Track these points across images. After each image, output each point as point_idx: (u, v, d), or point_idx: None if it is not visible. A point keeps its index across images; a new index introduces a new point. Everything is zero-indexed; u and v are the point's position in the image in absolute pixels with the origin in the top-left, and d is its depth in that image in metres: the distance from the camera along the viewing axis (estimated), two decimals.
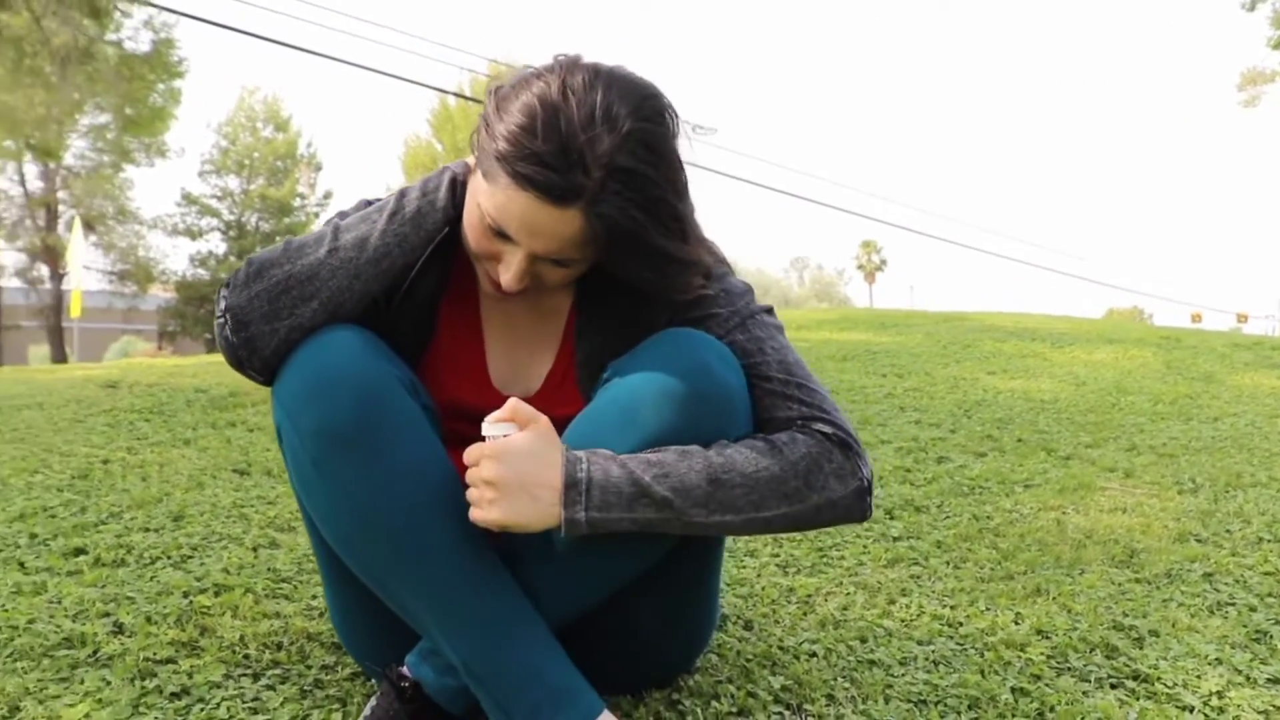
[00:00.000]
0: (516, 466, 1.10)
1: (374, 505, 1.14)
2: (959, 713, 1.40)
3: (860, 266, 60.96)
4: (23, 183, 25.37)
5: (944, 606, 1.85)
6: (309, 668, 1.53)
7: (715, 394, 1.16)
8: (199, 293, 29.73)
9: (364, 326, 1.23)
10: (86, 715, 1.34)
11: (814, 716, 1.40)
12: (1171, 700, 1.47)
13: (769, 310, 1.33)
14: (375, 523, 1.14)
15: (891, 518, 2.45)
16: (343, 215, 1.32)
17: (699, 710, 1.41)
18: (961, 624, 1.76)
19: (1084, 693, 1.48)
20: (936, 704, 1.43)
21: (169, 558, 2.02)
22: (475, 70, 30.30)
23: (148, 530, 2.20)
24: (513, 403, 1.13)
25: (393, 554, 1.15)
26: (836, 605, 1.85)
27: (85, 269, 21.70)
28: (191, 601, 1.77)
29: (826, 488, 1.17)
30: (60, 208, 25.76)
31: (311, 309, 1.20)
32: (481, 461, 1.10)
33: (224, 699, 1.41)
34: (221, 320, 1.20)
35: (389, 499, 1.13)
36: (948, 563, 2.12)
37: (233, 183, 31.26)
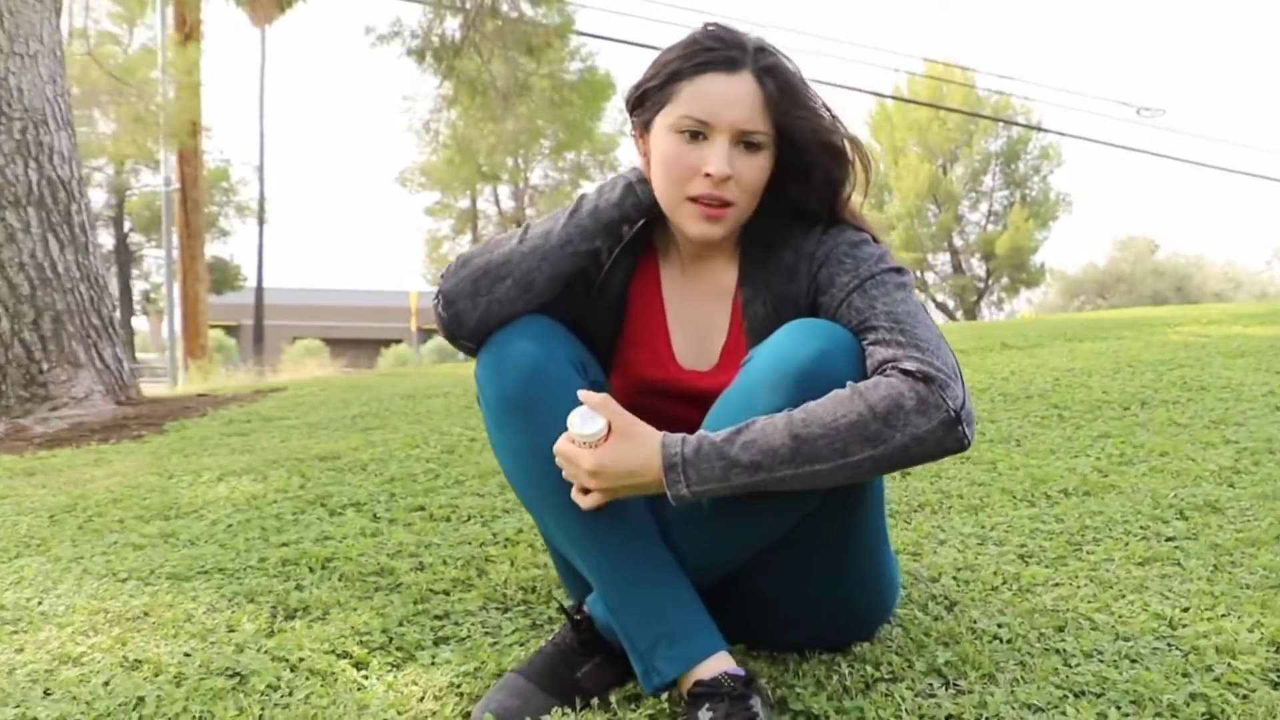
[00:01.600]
0: (619, 460, 1.28)
1: (534, 461, 1.39)
2: (1119, 707, 1.37)
3: None
4: (497, 203, 29.14)
5: (1175, 608, 1.73)
6: (550, 607, 1.81)
7: (825, 380, 1.26)
8: None
9: (562, 312, 1.50)
10: (365, 621, 1.73)
11: (963, 693, 1.42)
12: None
13: (897, 270, 1.40)
14: (535, 476, 1.40)
15: (1181, 517, 2.28)
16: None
17: (850, 672, 1.48)
18: (1185, 625, 1.66)
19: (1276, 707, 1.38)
20: (1096, 696, 1.39)
21: (481, 517, 2.43)
22: (911, 71, 29.99)
23: (477, 495, 2.64)
24: (601, 398, 1.30)
25: (546, 502, 1.40)
26: (1056, 596, 1.81)
27: None
28: (482, 550, 2.15)
29: (909, 424, 1.21)
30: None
31: (505, 286, 1.46)
32: (582, 459, 1.29)
33: (471, 622, 1.74)
34: (436, 301, 1.52)
35: (547, 457, 1.37)
36: (1213, 566, 1.94)
37: None
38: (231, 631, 1.73)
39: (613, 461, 1.28)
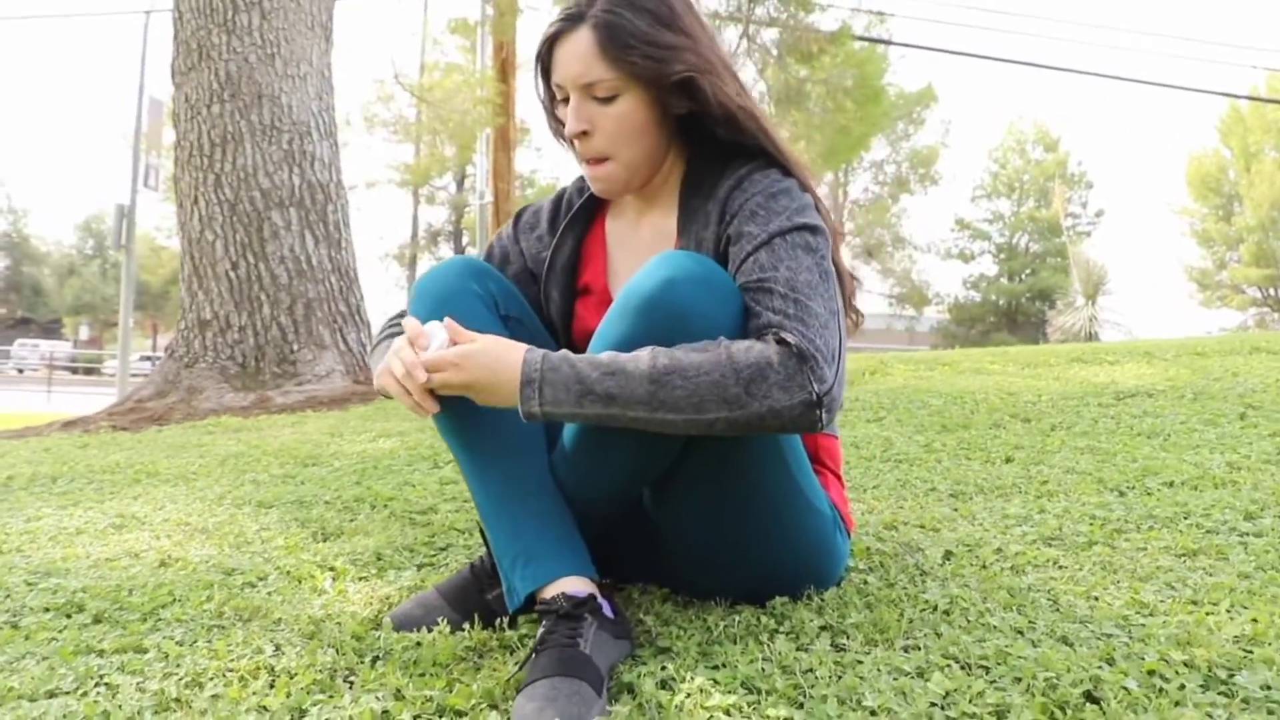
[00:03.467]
0: (482, 368, 1.30)
1: None
2: (992, 682, 1.23)
3: None
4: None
5: (1171, 599, 1.50)
6: None
7: (670, 308, 1.26)
8: (970, 314, 31.13)
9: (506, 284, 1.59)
10: (368, 545, 1.90)
11: (840, 650, 1.34)
12: None
13: (811, 229, 1.36)
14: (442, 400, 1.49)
15: (1247, 519, 2.01)
16: None
17: (743, 621, 1.43)
18: (1162, 615, 1.48)
19: (1176, 703, 1.21)
20: (978, 670, 1.25)
21: None
22: (1271, 67, 27.16)
23: None
24: (452, 325, 1.34)
25: (442, 424, 1.46)
26: (1043, 577, 1.66)
27: (865, 292, 24.24)
28: None
29: (769, 396, 1.20)
30: (847, 238, 29.07)
31: None
32: (450, 369, 1.30)
33: (466, 555, 1.87)
34: None
35: None
36: (1258, 565, 1.71)
37: (1003, 206, 32.15)
38: (262, 544, 1.96)
39: (475, 364, 1.30)
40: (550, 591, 1.32)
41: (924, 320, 31.35)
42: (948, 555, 1.81)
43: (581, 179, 1.69)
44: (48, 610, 1.59)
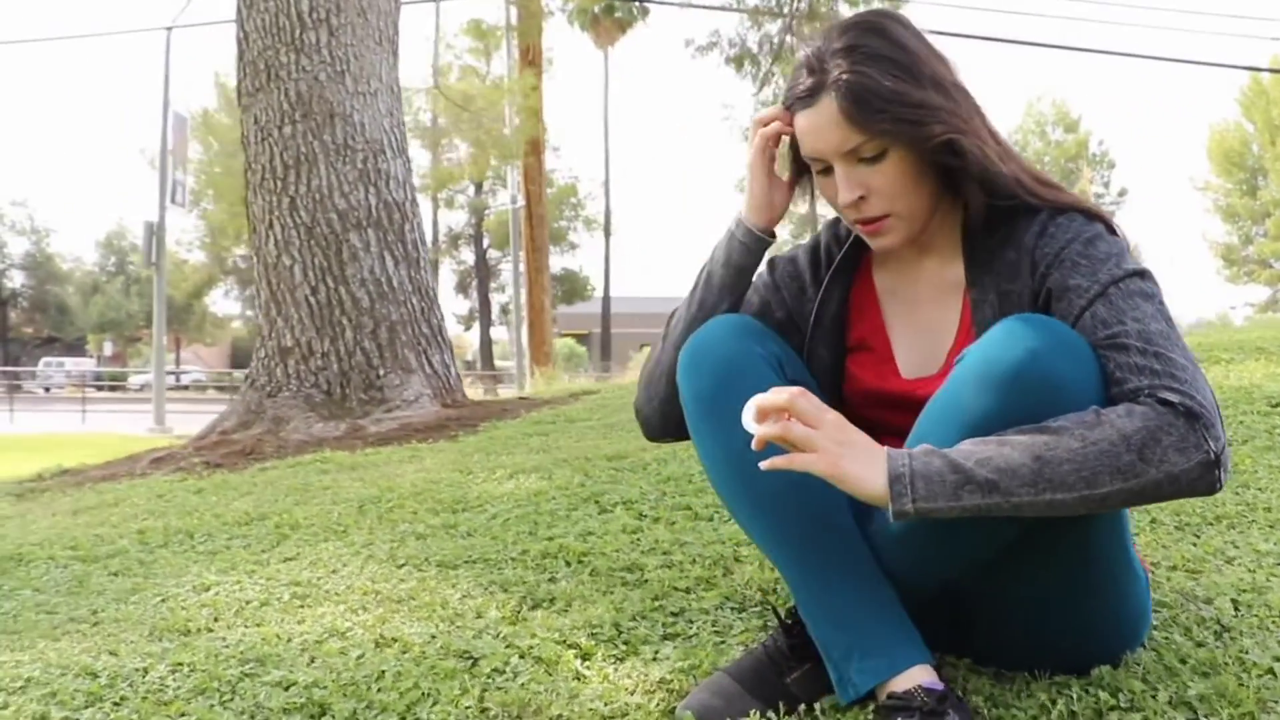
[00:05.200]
0: (846, 457, 1.15)
1: (728, 462, 1.33)
2: None
3: None
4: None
5: None
6: (776, 609, 1.75)
7: (1040, 381, 1.13)
8: None
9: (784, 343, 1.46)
10: (600, 614, 1.74)
11: None
12: None
13: (1140, 274, 1.23)
14: (729, 477, 1.34)
15: None
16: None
17: (1081, 698, 1.31)
18: None
19: None
20: None
21: (730, 522, 2.39)
22: None
23: None
24: (796, 393, 1.18)
25: (741, 503, 1.34)
26: None
27: None
28: (734, 550, 2.11)
29: (1165, 461, 1.08)
30: None
31: (665, 384, 1.50)
32: (826, 425, 1.16)
33: (703, 620, 1.71)
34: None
35: (741, 457, 1.29)
36: None
37: None
38: (478, 618, 1.80)
39: (840, 460, 1.15)
40: (901, 685, 1.20)
41: None
42: (1236, 605, 1.67)
43: (834, 226, 1.56)
44: (288, 712, 1.45)
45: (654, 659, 1.55)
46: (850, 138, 1.30)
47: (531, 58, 17.16)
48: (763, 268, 1.61)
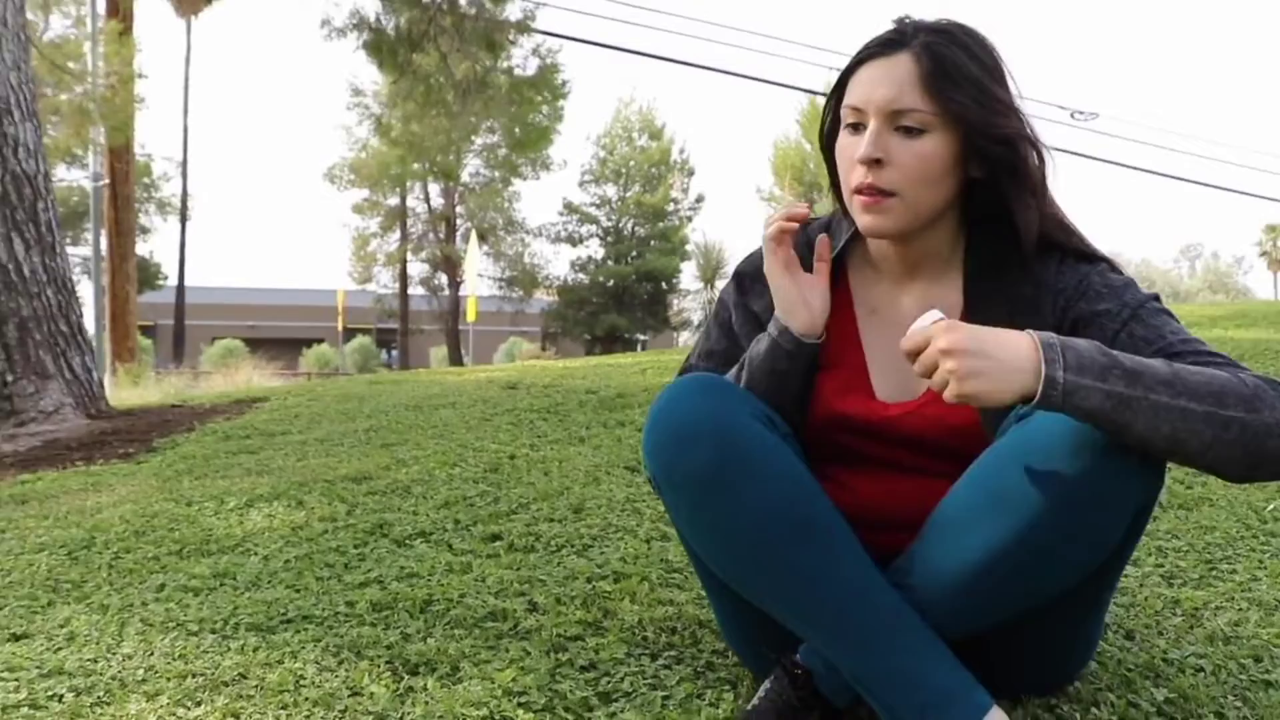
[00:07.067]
0: (978, 336, 1.10)
1: (748, 540, 1.23)
2: None
3: (1264, 253, 53.92)
4: (427, 200, 28.62)
5: None
6: (701, 651, 1.64)
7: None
8: (579, 296, 32.00)
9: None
10: (514, 679, 1.53)
11: None
12: None
13: (1156, 298, 1.29)
14: (751, 556, 1.24)
15: None
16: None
17: (1078, 716, 1.37)
18: None
19: None
20: None
21: (572, 546, 2.24)
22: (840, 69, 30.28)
23: (552, 520, 2.44)
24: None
25: (769, 581, 1.24)
26: (1227, 620, 1.71)
27: (479, 277, 24.07)
28: (594, 586, 1.96)
29: (1276, 409, 1.10)
30: (458, 221, 28.72)
31: None
32: (935, 337, 1.10)
33: (627, 674, 1.55)
34: None
35: (759, 534, 1.22)
36: None
37: (610, 191, 33.29)
38: (356, 695, 1.51)
39: (973, 339, 1.08)
40: None
41: (534, 303, 31.95)
42: (1121, 605, 1.82)
43: (801, 233, 1.46)
44: None
45: None
46: (910, 97, 1.27)
47: (125, 20, 15.25)
48: (732, 286, 1.49)
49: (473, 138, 24.64)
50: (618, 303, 32.01)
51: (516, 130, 21.23)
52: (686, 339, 34.06)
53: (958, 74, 1.27)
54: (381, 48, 9.48)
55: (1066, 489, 1.13)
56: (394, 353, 35.04)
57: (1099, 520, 1.15)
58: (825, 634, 1.22)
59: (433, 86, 10.01)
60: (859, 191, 1.31)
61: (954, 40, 1.30)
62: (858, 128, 1.32)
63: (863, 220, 1.33)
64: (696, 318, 33.92)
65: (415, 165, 25.28)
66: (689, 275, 34.03)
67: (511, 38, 10.84)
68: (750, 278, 1.48)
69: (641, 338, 33.40)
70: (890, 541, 1.32)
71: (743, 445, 1.23)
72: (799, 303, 1.36)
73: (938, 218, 1.35)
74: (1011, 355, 1.08)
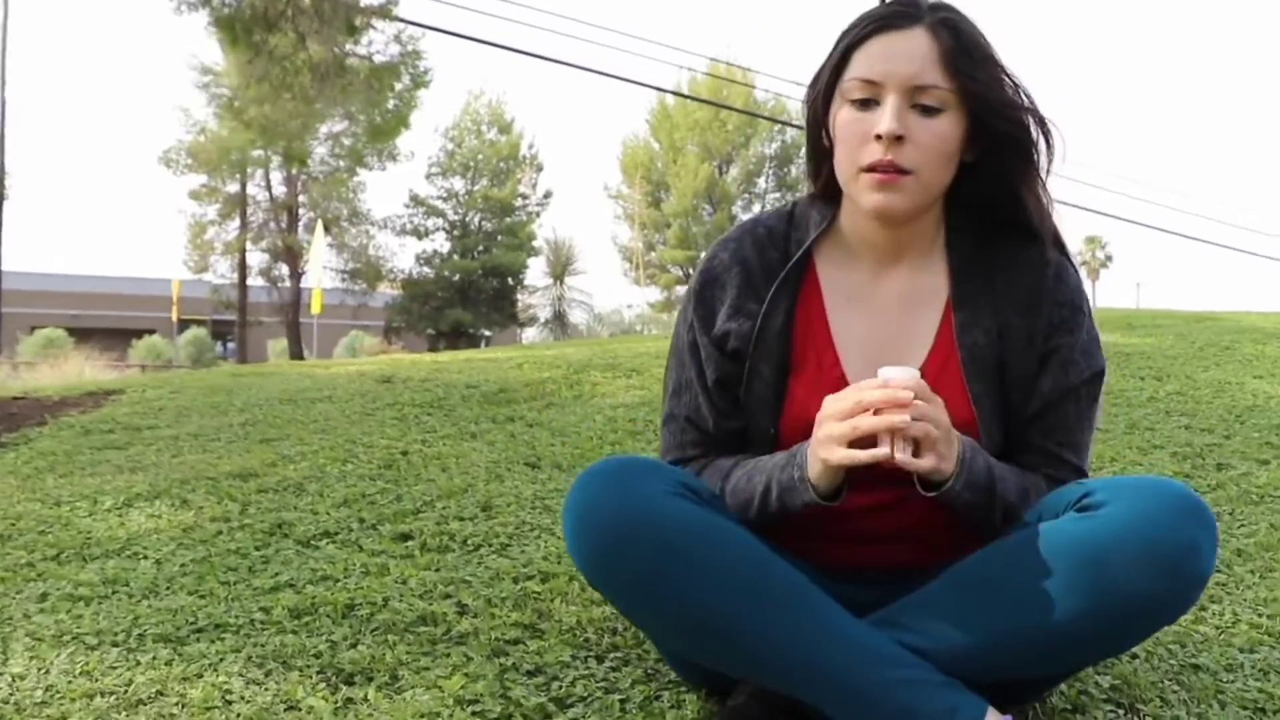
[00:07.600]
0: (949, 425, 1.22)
1: (700, 624, 1.21)
2: None
3: (1084, 263, 57.50)
4: (269, 188, 27.42)
5: (1259, 615, 1.82)
6: (646, 653, 1.62)
7: (1195, 575, 1.15)
8: (424, 290, 31.28)
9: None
10: (463, 687, 1.47)
11: (1149, 717, 1.41)
12: None
13: (1102, 374, 1.39)
14: (705, 636, 1.22)
15: None
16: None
17: (1036, 706, 1.43)
18: None
19: None
20: (1276, 713, 1.41)
21: (489, 545, 2.18)
22: (694, 69, 30.46)
23: (462, 519, 2.38)
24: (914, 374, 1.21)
25: (728, 652, 1.22)
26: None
27: (323, 268, 23.28)
28: (523, 587, 1.91)
29: (1028, 503, 1.32)
30: (300, 211, 27.64)
31: None
32: (935, 410, 1.19)
33: (577, 678, 1.52)
34: None
35: (712, 617, 1.20)
36: (1253, 571, 2.04)
37: (458, 184, 32.62)
38: (293, 709, 1.43)
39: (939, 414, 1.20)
40: None
41: (378, 297, 31.15)
42: None
43: (753, 231, 1.44)
44: None
45: None
46: (931, 74, 1.26)
47: None
48: (687, 304, 1.46)
49: (317, 126, 23.75)
50: (463, 298, 31.45)
51: (376, 117, 20.55)
52: (532, 336, 33.71)
53: (976, 52, 1.28)
54: (235, 25, 9.03)
55: (1129, 601, 1.14)
56: (230, 345, 33.51)
57: (1145, 628, 1.22)
58: (806, 688, 1.20)
59: (288, 69, 9.60)
60: (873, 169, 1.27)
61: (963, 17, 1.30)
62: (868, 103, 1.28)
63: (873, 198, 1.28)
64: (544, 314, 33.63)
65: (264, 150, 24.18)
66: (537, 271, 33.68)
67: (371, 22, 10.55)
68: (711, 286, 1.43)
69: (487, 334, 32.90)
70: (879, 554, 1.32)
71: (680, 538, 1.19)
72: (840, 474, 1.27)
73: (938, 199, 1.36)
74: (955, 450, 1.22)
